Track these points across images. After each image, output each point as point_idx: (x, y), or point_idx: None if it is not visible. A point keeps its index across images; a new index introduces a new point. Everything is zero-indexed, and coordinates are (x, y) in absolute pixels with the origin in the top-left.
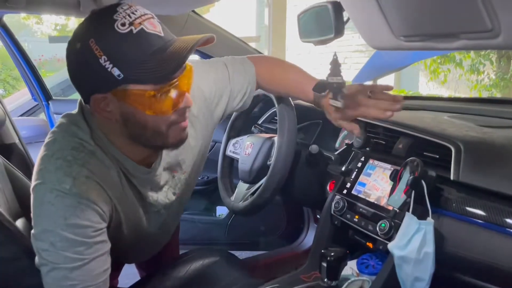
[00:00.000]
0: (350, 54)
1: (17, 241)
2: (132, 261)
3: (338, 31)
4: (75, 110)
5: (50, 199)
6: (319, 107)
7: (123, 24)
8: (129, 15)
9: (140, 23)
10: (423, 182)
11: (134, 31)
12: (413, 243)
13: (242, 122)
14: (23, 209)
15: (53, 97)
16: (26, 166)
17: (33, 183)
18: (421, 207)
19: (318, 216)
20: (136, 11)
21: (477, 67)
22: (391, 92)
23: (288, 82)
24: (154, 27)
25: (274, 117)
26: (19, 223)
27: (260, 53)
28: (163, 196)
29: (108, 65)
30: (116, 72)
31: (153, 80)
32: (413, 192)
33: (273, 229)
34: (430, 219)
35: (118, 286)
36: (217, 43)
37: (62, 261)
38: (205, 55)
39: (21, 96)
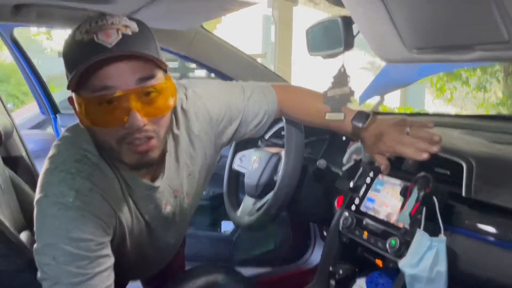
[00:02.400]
0: (357, 71)
1: (20, 254)
2: (137, 278)
3: (348, 44)
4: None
5: (53, 213)
6: (357, 139)
7: (80, 31)
8: (96, 23)
9: (94, 32)
10: (434, 198)
11: (85, 39)
12: (425, 261)
13: (248, 137)
14: (27, 222)
15: (61, 111)
16: (32, 179)
17: (36, 196)
18: (432, 224)
19: (324, 233)
20: (107, 19)
21: (483, 85)
22: (430, 130)
23: (322, 114)
24: (107, 37)
25: (281, 131)
26: (24, 236)
27: (265, 67)
28: (163, 215)
29: (65, 67)
30: (68, 75)
31: (81, 88)
32: (424, 208)
33: (279, 245)
34: (442, 236)
35: None
36: (224, 59)
37: (64, 276)
38: (214, 70)
39: (29, 110)
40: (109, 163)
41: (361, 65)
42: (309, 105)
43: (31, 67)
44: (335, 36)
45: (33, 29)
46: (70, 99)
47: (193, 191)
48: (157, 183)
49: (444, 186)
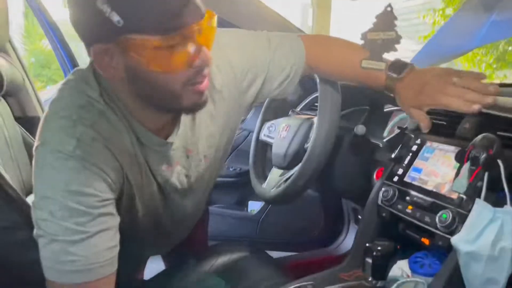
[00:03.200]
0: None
1: (17, 209)
2: (155, 252)
3: None
4: (86, 66)
5: (51, 162)
6: (391, 92)
7: None
8: None
9: None
10: (499, 161)
11: None
12: (485, 237)
13: (278, 104)
14: None
15: None
16: None
17: (35, 144)
18: (494, 194)
19: (360, 217)
20: None
21: None
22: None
23: (354, 65)
24: None
25: (314, 103)
26: (32, 198)
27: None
28: (175, 177)
29: (106, 9)
30: (115, 17)
31: (156, 27)
32: (487, 174)
33: (309, 228)
34: (508, 207)
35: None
36: (259, 18)
37: (62, 233)
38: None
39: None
40: (117, 113)
41: (402, 54)
42: (341, 57)
43: (56, 31)
44: None
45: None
46: (96, 51)
47: (213, 154)
48: (171, 139)
49: (509, 151)
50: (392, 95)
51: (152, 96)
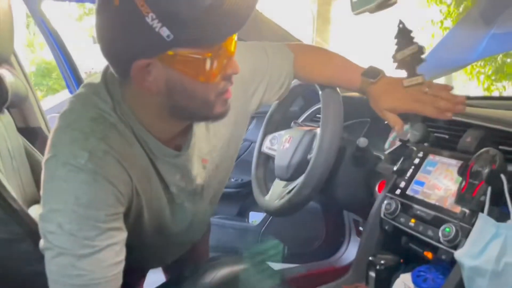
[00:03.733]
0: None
1: (20, 222)
2: (157, 264)
3: None
4: (97, 79)
5: (62, 174)
6: (365, 94)
7: None
8: None
9: None
10: (502, 176)
11: None
12: (489, 251)
13: (280, 117)
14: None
15: None
16: None
17: (45, 156)
18: (497, 209)
19: (361, 228)
20: None
21: None
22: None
23: (332, 69)
24: None
25: (316, 114)
26: (35, 209)
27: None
28: (190, 187)
29: (156, 24)
30: (165, 32)
31: (208, 41)
32: (489, 188)
33: (310, 240)
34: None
35: None
36: (262, 31)
37: (70, 246)
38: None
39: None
40: (129, 126)
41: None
42: (320, 62)
43: (57, 39)
44: None
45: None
46: (138, 66)
47: (224, 164)
48: (184, 150)
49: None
50: (365, 96)
51: (188, 106)
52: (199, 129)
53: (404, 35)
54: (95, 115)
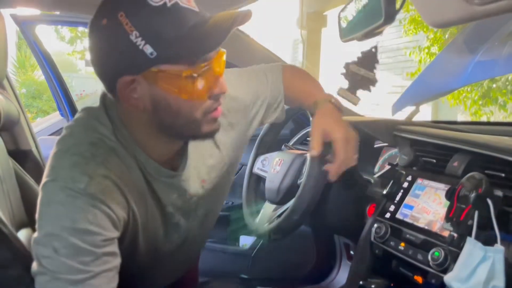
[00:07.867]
0: (385, 96)
1: (9, 246)
2: None
3: (389, 16)
4: (96, 104)
5: (60, 199)
6: (311, 114)
7: None
8: None
9: None
10: (489, 200)
11: (168, 5)
12: (478, 275)
13: (271, 138)
14: (30, 219)
15: None
16: (39, 175)
17: (43, 180)
18: (484, 233)
19: (352, 252)
20: None
21: None
22: None
23: (308, 95)
24: (188, 1)
25: (306, 137)
26: (23, 233)
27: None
28: (187, 207)
29: (140, 42)
30: (148, 50)
31: (189, 58)
32: (477, 213)
33: (301, 264)
34: (499, 246)
35: None
36: (252, 55)
37: (65, 271)
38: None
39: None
40: (127, 148)
41: (389, 89)
42: (302, 86)
43: (49, 61)
44: (374, 9)
45: (68, 48)
46: (123, 82)
47: (222, 185)
48: (180, 170)
49: (498, 190)
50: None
51: (174, 124)
52: (196, 149)
53: (370, 58)
54: (95, 139)
